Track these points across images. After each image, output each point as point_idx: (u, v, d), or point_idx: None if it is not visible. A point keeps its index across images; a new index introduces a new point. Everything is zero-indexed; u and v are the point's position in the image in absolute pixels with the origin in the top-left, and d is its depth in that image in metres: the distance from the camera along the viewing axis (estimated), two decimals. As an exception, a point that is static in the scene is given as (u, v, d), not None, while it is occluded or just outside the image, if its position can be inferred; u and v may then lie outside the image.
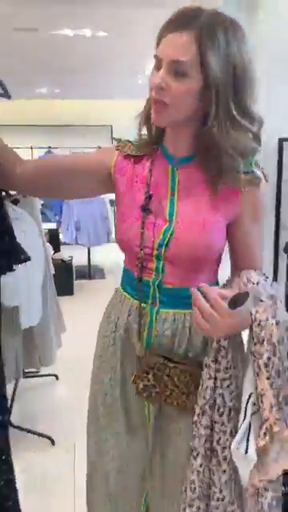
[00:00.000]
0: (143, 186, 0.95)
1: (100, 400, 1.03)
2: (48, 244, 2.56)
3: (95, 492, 1.08)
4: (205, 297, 0.80)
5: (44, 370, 2.53)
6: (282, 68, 2.28)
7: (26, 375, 2.48)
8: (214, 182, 0.88)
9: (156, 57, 0.83)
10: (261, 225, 0.97)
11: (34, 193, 1.39)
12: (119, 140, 1.03)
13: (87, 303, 4.06)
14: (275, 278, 2.33)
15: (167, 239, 0.91)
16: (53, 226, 5.07)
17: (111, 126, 7.25)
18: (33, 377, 2.70)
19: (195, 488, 0.90)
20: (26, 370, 2.35)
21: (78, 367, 2.73)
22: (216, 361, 0.88)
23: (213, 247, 0.92)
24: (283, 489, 0.89)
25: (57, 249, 4.54)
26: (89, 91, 6.39)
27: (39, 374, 2.68)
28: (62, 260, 4.39)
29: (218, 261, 0.99)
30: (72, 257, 4.55)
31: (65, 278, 4.22)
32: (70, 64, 4.87)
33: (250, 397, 0.83)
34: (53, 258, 2.85)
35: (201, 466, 0.89)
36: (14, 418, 2.26)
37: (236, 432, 0.85)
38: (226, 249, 0.99)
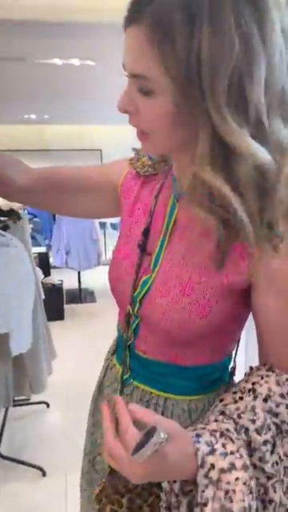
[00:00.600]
0: (144, 216, 0.74)
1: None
2: (38, 268, 2.55)
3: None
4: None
5: (34, 398, 2.48)
6: None
7: (16, 403, 2.43)
8: (219, 231, 0.58)
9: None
10: None
11: (36, 207, 1.23)
12: (137, 151, 0.80)
13: (78, 328, 4.02)
14: None
15: (143, 294, 0.69)
16: (43, 249, 5.06)
17: (100, 150, 7.34)
18: (23, 405, 2.64)
19: None
20: (16, 398, 2.30)
21: (69, 394, 2.68)
22: None
23: (196, 320, 0.63)
24: None
25: (47, 273, 4.51)
26: (78, 117, 6.49)
27: (29, 401, 2.63)
28: (52, 284, 4.37)
29: (226, 334, 0.70)
30: (62, 280, 4.52)
31: (55, 303, 4.18)
32: (59, 91, 4.96)
33: None
34: (43, 283, 2.83)
35: None
36: (4, 447, 2.19)
37: None
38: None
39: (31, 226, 3.35)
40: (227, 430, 0.56)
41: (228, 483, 0.52)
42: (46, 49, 3.50)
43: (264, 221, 0.54)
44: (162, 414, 0.71)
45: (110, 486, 0.68)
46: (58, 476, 2.07)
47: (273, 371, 0.62)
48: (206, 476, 0.52)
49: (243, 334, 0.75)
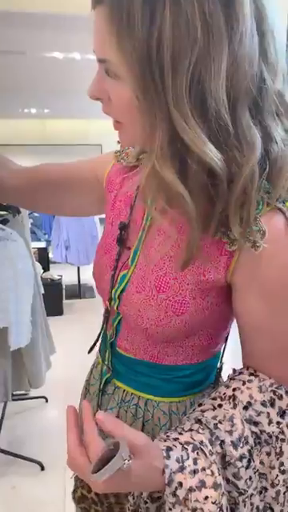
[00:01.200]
0: (126, 209, 0.71)
1: None
2: (37, 263, 2.55)
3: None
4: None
5: (33, 392, 2.48)
6: None
7: (15, 398, 2.43)
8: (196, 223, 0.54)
9: None
10: (284, 305, 0.56)
11: (24, 206, 1.15)
12: None
13: (77, 323, 4.02)
14: None
15: (121, 290, 0.66)
16: (42, 244, 5.05)
17: (101, 145, 7.32)
18: (21, 399, 2.64)
19: None
20: (15, 393, 2.30)
21: (67, 389, 2.69)
22: None
23: (172, 317, 0.60)
24: None
25: (46, 268, 4.51)
26: (78, 111, 6.46)
27: (28, 396, 2.63)
28: (52, 279, 4.36)
29: (208, 334, 0.66)
30: (61, 276, 4.52)
31: (54, 298, 4.17)
32: (60, 85, 4.93)
33: None
34: (42, 278, 2.83)
35: None
36: (2, 441, 2.20)
37: None
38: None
39: (31, 220, 3.35)
40: (201, 442, 0.54)
41: (197, 501, 0.50)
42: (46, 42, 3.48)
43: (241, 218, 0.51)
44: (143, 417, 0.69)
45: None
46: (56, 470, 2.08)
47: (256, 376, 0.59)
48: (174, 494, 0.50)
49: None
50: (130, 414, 0.70)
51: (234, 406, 0.56)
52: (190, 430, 0.57)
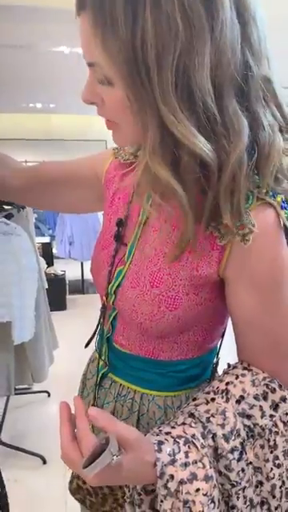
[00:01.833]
0: (123, 206, 0.72)
1: None
2: (41, 258, 2.55)
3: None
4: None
5: (35, 387, 2.49)
6: None
7: (17, 392, 2.44)
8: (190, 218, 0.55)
9: None
10: (274, 299, 0.57)
11: (25, 204, 1.18)
12: None
13: (80, 318, 4.03)
14: None
15: (117, 285, 0.68)
16: (46, 239, 5.06)
17: (105, 140, 7.31)
18: (24, 393, 2.66)
19: None
20: (17, 387, 2.32)
21: (70, 384, 2.69)
22: None
23: (166, 312, 0.61)
24: None
25: (50, 263, 4.52)
26: (84, 106, 6.44)
27: (31, 390, 2.64)
28: (55, 274, 4.37)
29: (203, 329, 0.67)
30: (65, 271, 4.53)
31: (58, 293, 4.19)
32: (65, 80, 4.92)
33: None
34: (46, 273, 2.83)
35: None
36: (5, 435, 2.21)
37: None
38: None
39: (35, 215, 3.35)
40: (193, 435, 0.55)
41: (188, 493, 0.51)
42: (52, 36, 3.46)
43: (232, 205, 0.52)
44: (138, 411, 0.70)
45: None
46: (58, 464, 2.08)
47: (249, 370, 0.60)
48: (165, 486, 0.51)
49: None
50: (125, 407, 0.71)
51: (227, 400, 0.57)
52: (183, 423, 0.57)
